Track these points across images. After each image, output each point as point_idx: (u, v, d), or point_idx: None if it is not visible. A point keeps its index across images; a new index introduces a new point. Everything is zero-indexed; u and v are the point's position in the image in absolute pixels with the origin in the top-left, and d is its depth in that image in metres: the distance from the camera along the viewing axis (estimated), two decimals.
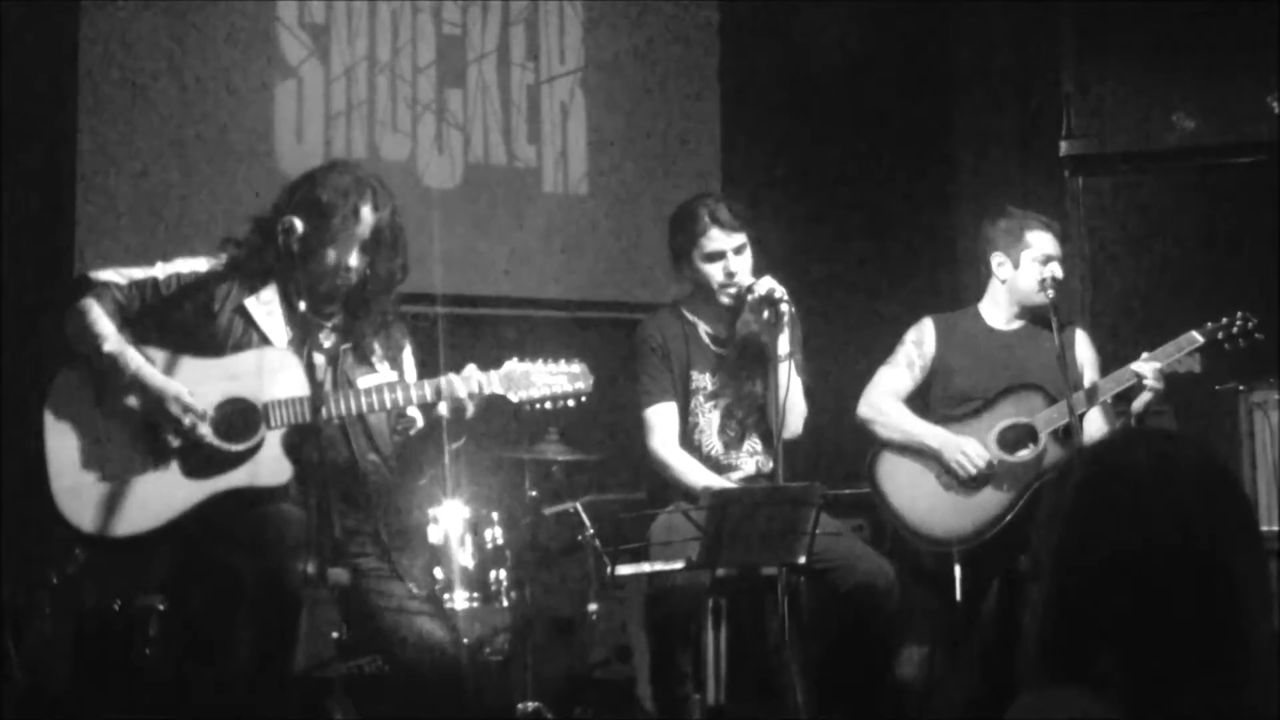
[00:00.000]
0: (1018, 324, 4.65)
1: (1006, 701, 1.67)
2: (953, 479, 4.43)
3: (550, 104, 6.17)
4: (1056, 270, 4.52)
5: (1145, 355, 4.37)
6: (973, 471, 4.39)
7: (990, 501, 4.38)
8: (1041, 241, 4.56)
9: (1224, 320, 4.38)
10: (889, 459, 4.53)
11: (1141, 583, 1.61)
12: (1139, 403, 4.37)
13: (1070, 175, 5.87)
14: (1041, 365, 4.46)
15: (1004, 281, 4.62)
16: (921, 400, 4.62)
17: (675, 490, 4.25)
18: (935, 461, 4.44)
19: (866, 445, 4.58)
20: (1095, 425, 4.46)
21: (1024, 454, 4.39)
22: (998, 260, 4.61)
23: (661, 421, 4.33)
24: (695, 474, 4.25)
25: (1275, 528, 4.83)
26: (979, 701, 4.30)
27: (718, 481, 4.21)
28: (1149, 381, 4.31)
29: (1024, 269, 4.56)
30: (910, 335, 4.69)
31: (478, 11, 6.09)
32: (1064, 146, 5.81)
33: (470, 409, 3.60)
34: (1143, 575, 1.61)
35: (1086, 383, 4.48)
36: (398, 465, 3.67)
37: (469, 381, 3.61)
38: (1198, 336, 4.36)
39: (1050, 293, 4.43)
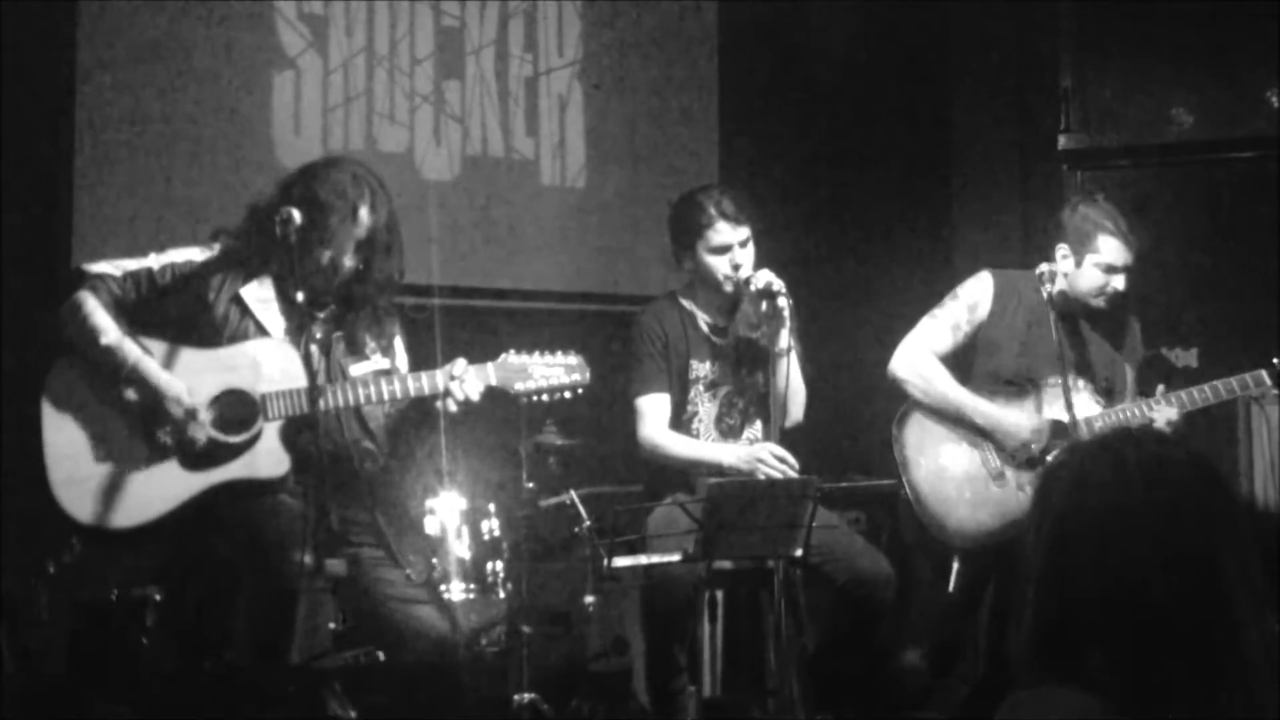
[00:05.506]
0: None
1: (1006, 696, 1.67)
2: (986, 464, 4.25)
3: (548, 96, 6.16)
4: (1119, 283, 4.26)
5: (1170, 399, 4.23)
6: (1038, 448, 4.20)
7: (1010, 501, 4.22)
8: (1111, 250, 4.25)
9: None
10: (919, 424, 4.31)
11: (1130, 584, 1.61)
12: (1162, 419, 4.21)
13: (1069, 170, 5.86)
14: (1092, 356, 4.34)
15: (1065, 275, 4.32)
16: (961, 367, 4.38)
17: (671, 483, 4.25)
18: (977, 438, 4.26)
19: (863, 437, 4.54)
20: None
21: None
22: (1062, 252, 4.32)
23: (653, 410, 4.32)
24: (691, 448, 4.25)
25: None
26: (981, 694, 4.29)
27: (716, 451, 4.20)
28: (1160, 423, 4.15)
29: (1085, 272, 4.29)
30: (964, 294, 4.42)
31: (476, 3, 6.07)
32: (1062, 141, 5.80)
33: (458, 394, 3.57)
34: (1132, 577, 1.61)
35: (1129, 373, 4.37)
36: (389, 448, 3.65)
37: (465, 372, 3.60)
38: (1266, 379, 4.17)
39: (1103, 304, 4.26)
